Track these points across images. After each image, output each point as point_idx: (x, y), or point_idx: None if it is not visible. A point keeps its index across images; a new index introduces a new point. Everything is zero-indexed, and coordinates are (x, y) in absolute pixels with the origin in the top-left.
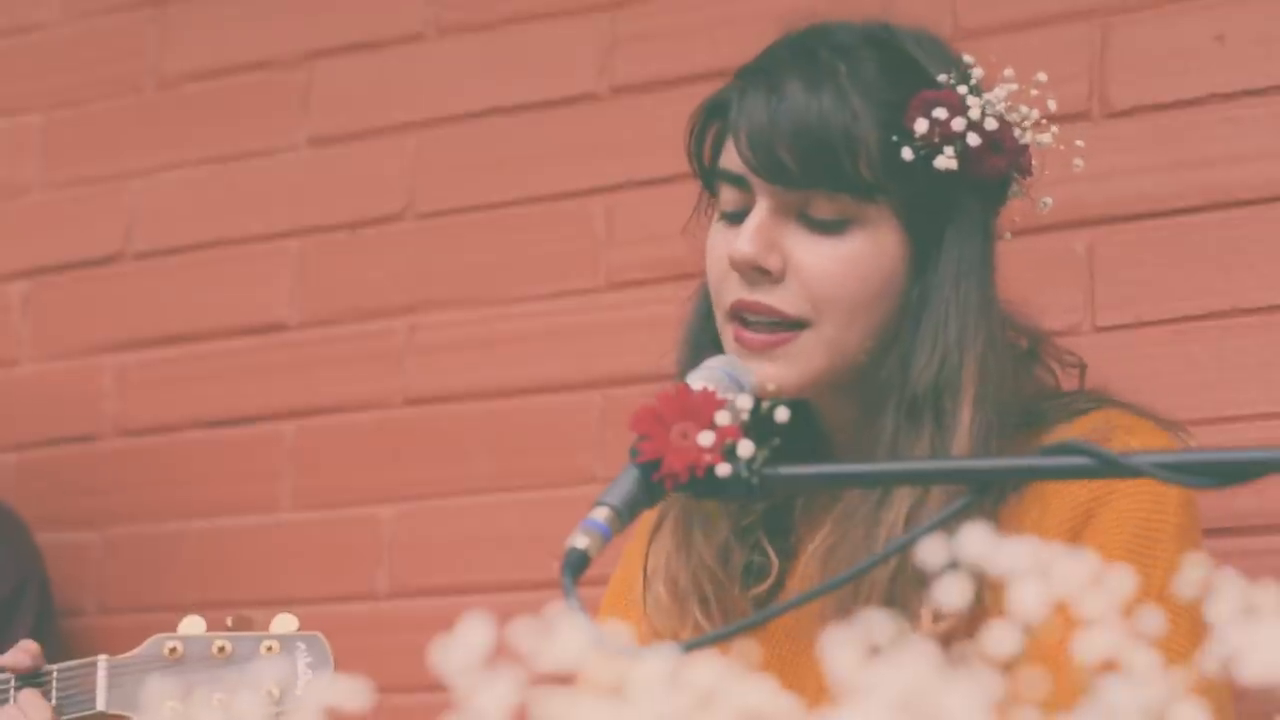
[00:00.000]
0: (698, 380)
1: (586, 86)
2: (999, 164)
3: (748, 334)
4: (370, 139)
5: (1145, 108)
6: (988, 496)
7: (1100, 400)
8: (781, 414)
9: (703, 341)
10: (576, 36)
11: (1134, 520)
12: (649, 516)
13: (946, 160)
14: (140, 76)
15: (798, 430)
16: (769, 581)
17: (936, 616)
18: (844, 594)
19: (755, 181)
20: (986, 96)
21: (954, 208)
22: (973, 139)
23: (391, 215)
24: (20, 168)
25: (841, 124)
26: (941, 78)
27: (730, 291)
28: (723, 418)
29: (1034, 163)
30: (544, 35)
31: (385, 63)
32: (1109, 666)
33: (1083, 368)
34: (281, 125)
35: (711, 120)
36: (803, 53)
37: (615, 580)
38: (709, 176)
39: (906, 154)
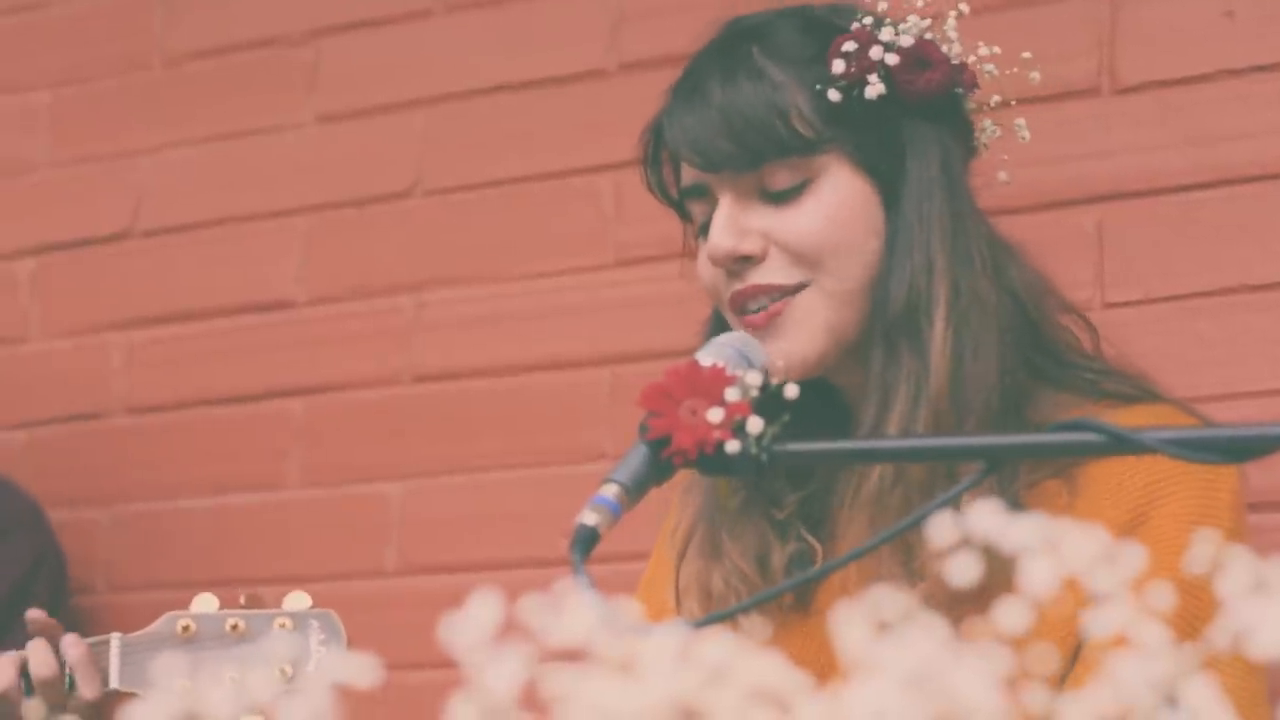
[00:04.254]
0: (707, 357)
1: (595, 63)
2: (932, 78)
3: (750, 316)
4: (378, 116)
5: (1155, 84)
6: (1018, 483)
7: (1143, 390)
8: (791, 390)
9: (727, 326)
10: (584, 12)
11: (1186, 529)
12: (672, 526)
13: (874, 88)
14: (147, 54)
15: (822, 409)
16: (814, 568)
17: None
18: (878, 568)
19: (710, 179)
20: (900, 24)
21: (904, 136)
22: (891, 59)
23: (399, 192)
24: (27, 145)
25: (764, 97)
26: (854, 25)
27: (725, 289)
28: (732, 394)
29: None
30: (552, 11)
31: (393, 39)
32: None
33: (1094, 331)
34: (289, 102)
35: (658, 148)
36: (716, 49)
37: (644, 582)
38: (677, 204)
39: (834, 95)
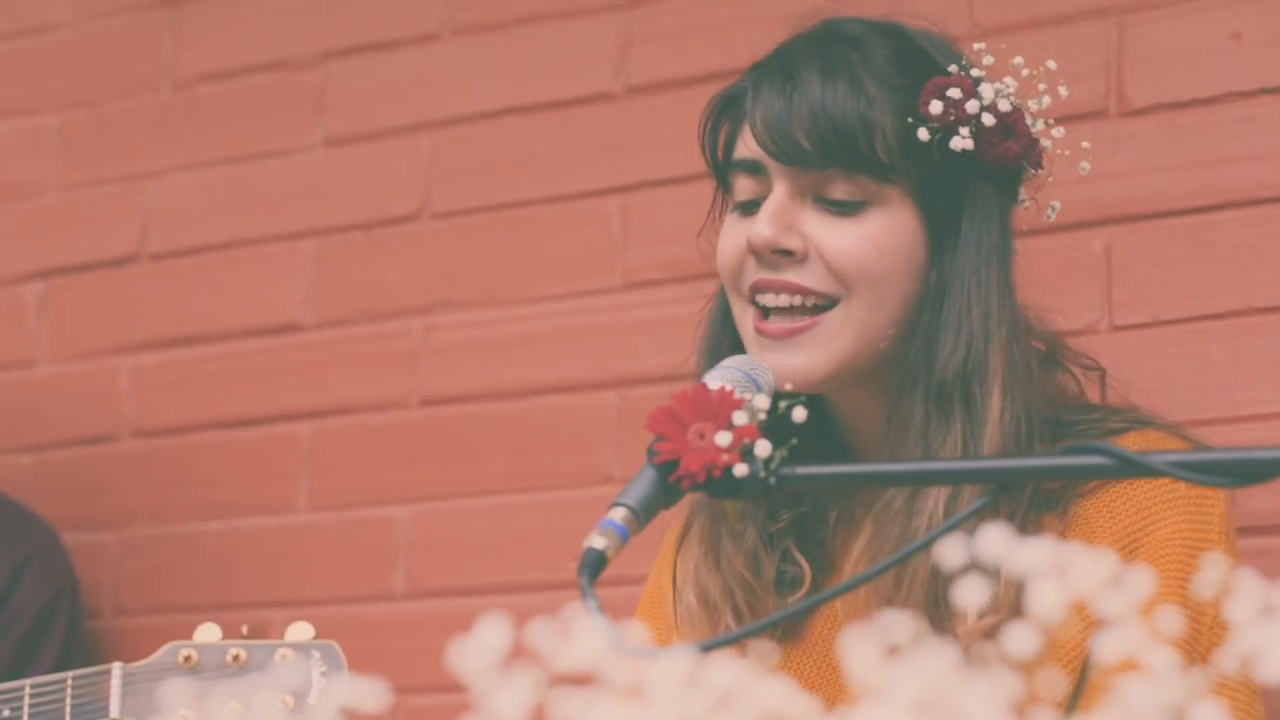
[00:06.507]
0: (715, 380)
1: (602, 86)
2: (1013, 148)
3: (767, 324)
4: (385, 139)
5: (1162, 106)
6: (1022, 511)
7: (1133, 420)
8: (799, 414)
9: (721, 344)
10: (592, 36)
11: (1181, 550)
12: (676, 527)
13: (962, 140)
14: (155, 77)
15: (815, 435)
16: (803, 590)
17: (980, 614)
18: (886, 593)
19: (772, 165)
20: (997, 84)
21: (969, 194)
22: (987, 119)
23: (406, 216)
24: (36, 169)
25: (857, 108)
26: (951, 68)
27: (748, 274)
28: (740, 418)
29: (1044, 162)
30: (559, 35)
31: (400, 63)
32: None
33: (1102, 373)
34: (296, 126)
35: (725, 113)
36: (815, 45)
37: (647, 594)
38: (722, 170)
39: (923, 134)
